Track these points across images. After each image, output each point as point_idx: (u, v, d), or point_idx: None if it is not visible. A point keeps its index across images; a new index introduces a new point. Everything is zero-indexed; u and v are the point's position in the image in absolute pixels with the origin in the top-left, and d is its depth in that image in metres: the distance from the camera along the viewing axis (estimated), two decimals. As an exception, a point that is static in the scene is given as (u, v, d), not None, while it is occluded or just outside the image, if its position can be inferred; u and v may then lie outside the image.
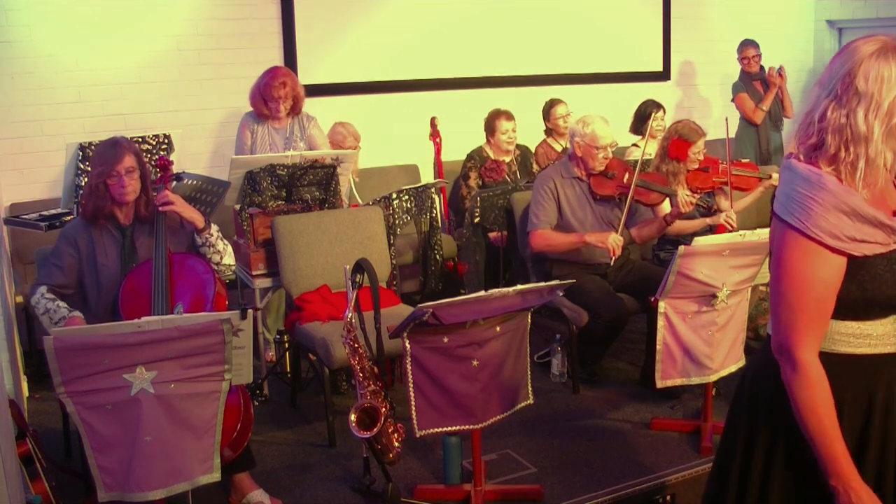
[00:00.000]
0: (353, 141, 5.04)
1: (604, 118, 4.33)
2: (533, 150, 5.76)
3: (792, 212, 1.72)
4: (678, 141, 4.47)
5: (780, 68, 6.43)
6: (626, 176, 4.29)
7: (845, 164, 1.69)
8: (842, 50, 1.74)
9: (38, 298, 3.18)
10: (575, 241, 4.20)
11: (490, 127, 5.47)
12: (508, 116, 5.43)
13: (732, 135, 6.32)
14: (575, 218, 4.29)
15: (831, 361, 1.75)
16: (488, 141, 5.52)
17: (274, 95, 4.62)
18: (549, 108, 5.79)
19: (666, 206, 4.35)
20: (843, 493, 1.71)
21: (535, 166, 5.58)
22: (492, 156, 5.46)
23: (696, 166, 4.53)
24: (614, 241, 4.08)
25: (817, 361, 1.73)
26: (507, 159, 5.48)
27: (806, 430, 1.73)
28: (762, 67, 6.49)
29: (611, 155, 4.32)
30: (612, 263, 4.14)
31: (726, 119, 4.79)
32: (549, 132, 5.82)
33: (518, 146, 5.58)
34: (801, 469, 1.82)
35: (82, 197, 3.39)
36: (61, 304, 3.17)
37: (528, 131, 5.84)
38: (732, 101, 6.53)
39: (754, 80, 6.47)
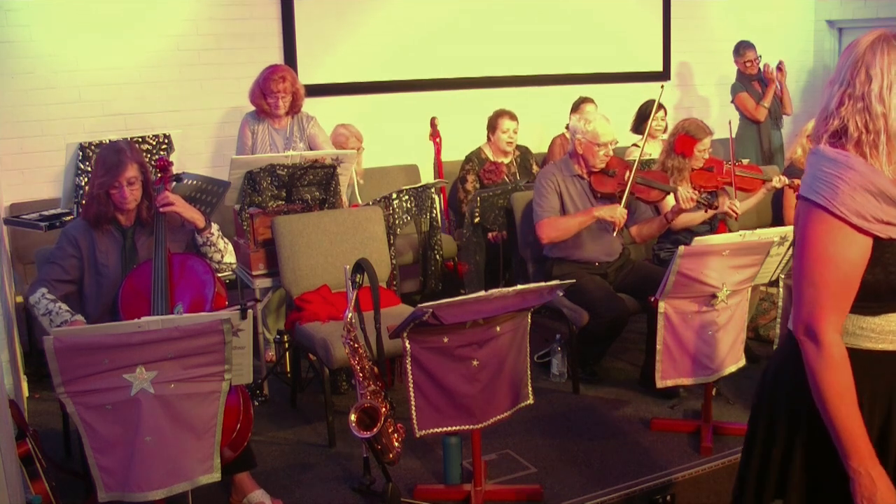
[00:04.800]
0: (356, 142, 5.03)
1: (605, 116, 4.35)
2: (533, 151, 5.77)
3: (818, 190, 1.72)
4: (685, 137, 4.46)
5: (780, 63, 6.43)
6: (627, 174, 4.30)
7: (869, 146, 1.72)
8: (846, 49, 1.80)
9: (39, 298, 3.17)
10: (584, 218, 4.21)
11: (492, 125, 5.48)
12: (512, 117, 5.44)
13: (734, 136, 6.33)
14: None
15: (853, 356, 1.74)
16: (489, 139, 5.52)
17: (273, 89, 4.63)
18: (579, 104, 5.80)
19: (669, 204, 4.35)
20: (863, 474, 1.70)
21: (535, 167, 5.58)
22: (491, 157, 5.46)
23: (701, 165, 4.53)
24: (621, 213, 4.16)
25: (840, 342, 1.72)
26: (506, 160, 5.48)
27: (826, 412, 1.72)
28: (759, 68, 6.50)
29: (611, 153, 4.33)
30: (614, 234, 4.19)
31: (729, 122, 4.81)
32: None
33: (518, 147, 5.58)
34: (820, 458, 1.82)
35: (84, 201, 3.39)
36: (63, 306, 3.16)
37: (528, 131, 5.84)
38: (732, 101, 6.53)
39: (752, 81, 6.47)
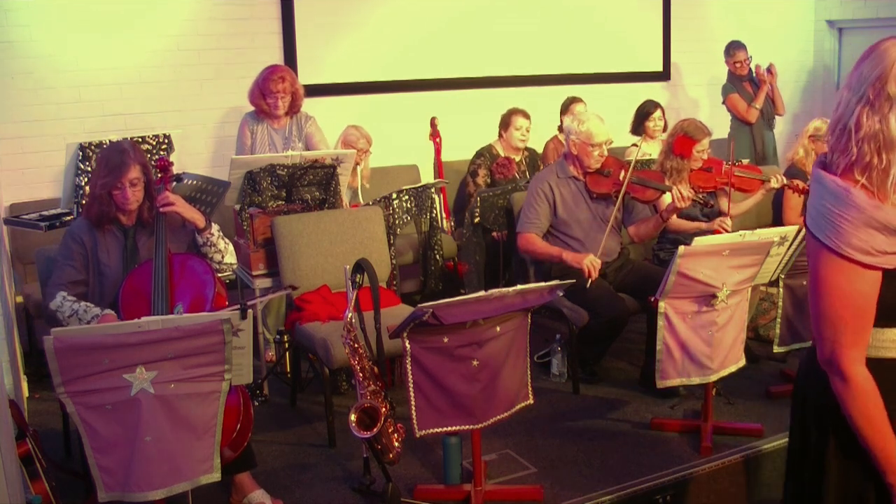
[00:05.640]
0: (365, 143, 5.00)
1: (599, 116, 4.34)
2: (539, 151, 5.78)
3: (824, 230, 1.73)
4: (683, 138, 4.46)
5: (770, 66, 6.41)
6: (622, 173, 4.29)
7: (877, 171, 1.69)
8: (869, 52, 1.73)
9: (61, 302, 3.17)
10: (554, 255, 4.24)
11: (505, 122, 5.51)
12: (525, 115, 5.50)
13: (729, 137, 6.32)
14: (571, 217, 4.30)
15: (877, 367, 1.76)
16: (500, 136, 5.55)
17: (272, 89, 4.63)
18: (568, 104, 5.81)
19: (666, 203, 4.34)
20: None
21: (542, 167, 5.59)
22: (502, 153, 5.48)
23: (700, 165, 4.53)
24: (590, 262, 4.09)
25: (865, 371, 1.75)
26: (517, 158, 5.50)
27: (860, 435, 1.76)
28: (750, 69, 6.49)
29: (606, 153, 4.33)
30: (588, 286, 4.09)
31: (732, 139, 4.82)
32: (562, 129, 5.82)
33: (526, 148, 5.60)
34: (853, 465, 1.84)
35: (85, 201, 3.38)
36: (88, 304, 3.17)
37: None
38: (723, 103, 6.51)
39: (743, 81, 6.46)
